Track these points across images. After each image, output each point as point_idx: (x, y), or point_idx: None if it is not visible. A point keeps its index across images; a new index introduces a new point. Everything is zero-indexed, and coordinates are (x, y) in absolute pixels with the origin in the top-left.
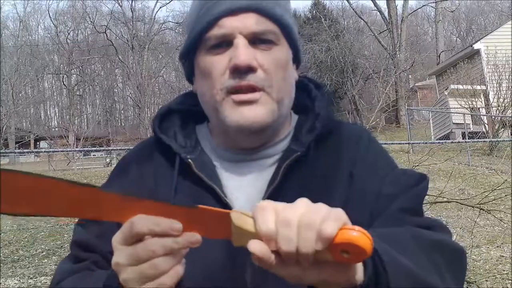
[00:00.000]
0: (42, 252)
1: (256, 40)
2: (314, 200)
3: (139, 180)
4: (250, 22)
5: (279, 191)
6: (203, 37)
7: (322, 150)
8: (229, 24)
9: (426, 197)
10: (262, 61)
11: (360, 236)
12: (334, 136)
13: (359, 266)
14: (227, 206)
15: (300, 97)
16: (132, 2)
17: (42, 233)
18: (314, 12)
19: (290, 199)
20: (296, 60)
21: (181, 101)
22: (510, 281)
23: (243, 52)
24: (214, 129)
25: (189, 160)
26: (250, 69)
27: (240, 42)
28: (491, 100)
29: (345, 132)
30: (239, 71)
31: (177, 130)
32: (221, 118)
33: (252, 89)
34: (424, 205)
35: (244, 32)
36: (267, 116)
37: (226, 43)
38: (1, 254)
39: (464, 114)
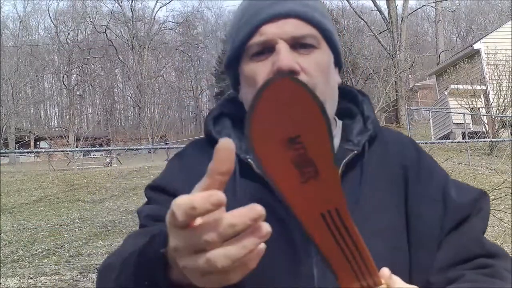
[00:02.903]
0: (42, 252)
1: (296, 44)
2: (372, 200)
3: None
4: (290, 27)
5: None
6: (245, 46)
7: (372, 152)
8: (270, 31)
9: None
10: (304, 65)
11: None
12: (379, 140)
13: None
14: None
15: (343, 102)
16: (132, 2)
17: (42, 233)
18: None
19: (348, 198)
20: (338, 63)
21: (228, 105)
22: None
23: (285, 56)
24: None
25: (249, 160)
26: (293, 73)
27: (282, 47)
28: (491, 100)
29: (387, 137)
30: (283, 75)
31: (230, 132)
32: None
33: None
34: None
35: (285, 37)
36: None
37: (268, 49)
38: (1, 254)
39: (464, 114)
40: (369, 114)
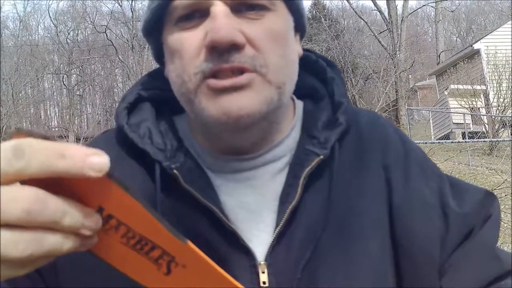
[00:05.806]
0: None
1: (241, 6)
2: (345, 221)
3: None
4: None
5: (298, 210)
6: (168, 6)
7: (344, 152)
8: None
9: None
10: (250, 34)
11: None
12: (351, 133)
13: None
14: (231, 235)
15: (305, 78)
16: (132, 2)
17: None
18: (314, 12)
19: (312, 221)
20: (300, 28)
21: (150, 84)
22: None
23: (223, 24)
24: (193, 125)
25: (175, 171)
26: (234, 47)
27: (219, 10)
28: (491, 100)
29: (362, 125)
30: (219, 49)
31: (151, 126)
32: (196, 112)
33: (239, 71)
34: None
35: None
36: (261, 105)
37: (199, 13)
38: None
39: (464, 114)
40: (340, 99)
